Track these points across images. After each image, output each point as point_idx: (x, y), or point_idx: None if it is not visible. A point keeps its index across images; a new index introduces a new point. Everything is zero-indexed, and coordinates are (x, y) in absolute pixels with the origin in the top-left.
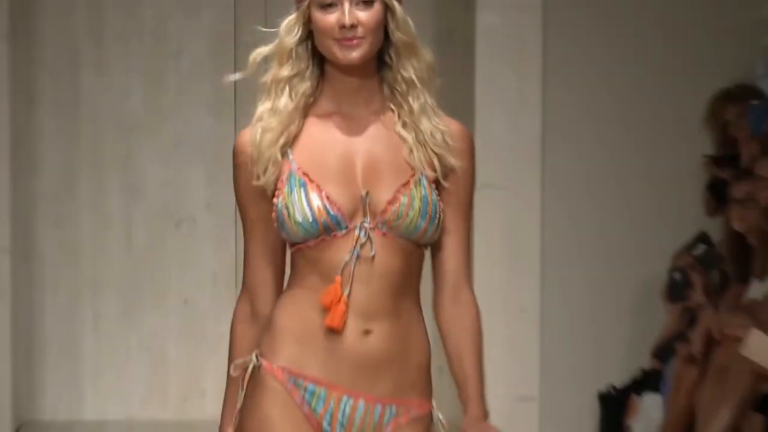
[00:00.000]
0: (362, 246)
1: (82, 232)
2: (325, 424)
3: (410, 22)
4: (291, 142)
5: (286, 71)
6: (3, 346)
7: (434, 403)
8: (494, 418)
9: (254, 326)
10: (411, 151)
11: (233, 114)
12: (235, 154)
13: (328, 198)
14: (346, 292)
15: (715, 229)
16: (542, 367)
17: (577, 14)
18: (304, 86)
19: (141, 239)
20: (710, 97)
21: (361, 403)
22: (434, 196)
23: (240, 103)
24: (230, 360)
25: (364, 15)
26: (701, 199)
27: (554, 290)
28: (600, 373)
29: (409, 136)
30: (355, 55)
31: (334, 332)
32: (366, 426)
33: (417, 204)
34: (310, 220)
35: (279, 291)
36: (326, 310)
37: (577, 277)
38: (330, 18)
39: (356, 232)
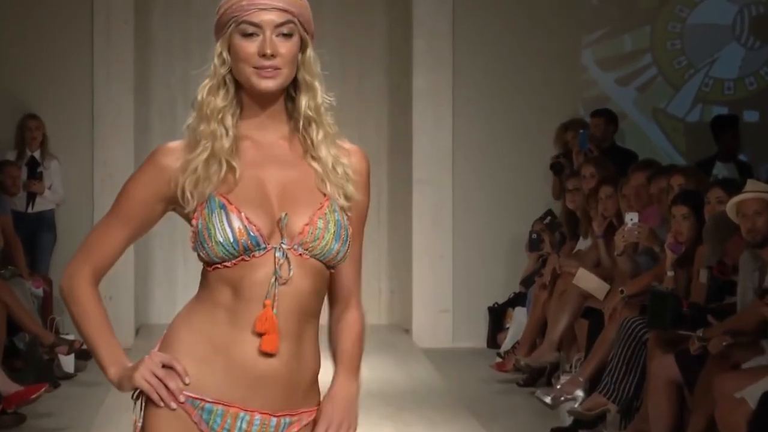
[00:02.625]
0: (280, 266)
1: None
2: None
3: (317, 63)
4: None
5: (221, 101)
6: (128, 280)
7: None
8: (424, 325)
9: (96, 289)
10: (323, 181)
11: None
12: (160, 158)
13: (248, 219)
14: (275, 313)
15: (557, 207)
16: (454, 291)
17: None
18: (235, 117)
19: None
20: (557, 126)
21: (257, 418)
22: (345, 221)
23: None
24: (85, 315)
25: (283, 46)
26: (551, 189)
27: (461, 244)
28: (489, 295)
29: (318, 167)
30: (271, 84)
31: (267, 356)
32: None
33: (332, 228)
34: (231, 240)
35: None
36: (261, 335)
37: (476, 235)
38: (251, 46)
39: (275, 253)
